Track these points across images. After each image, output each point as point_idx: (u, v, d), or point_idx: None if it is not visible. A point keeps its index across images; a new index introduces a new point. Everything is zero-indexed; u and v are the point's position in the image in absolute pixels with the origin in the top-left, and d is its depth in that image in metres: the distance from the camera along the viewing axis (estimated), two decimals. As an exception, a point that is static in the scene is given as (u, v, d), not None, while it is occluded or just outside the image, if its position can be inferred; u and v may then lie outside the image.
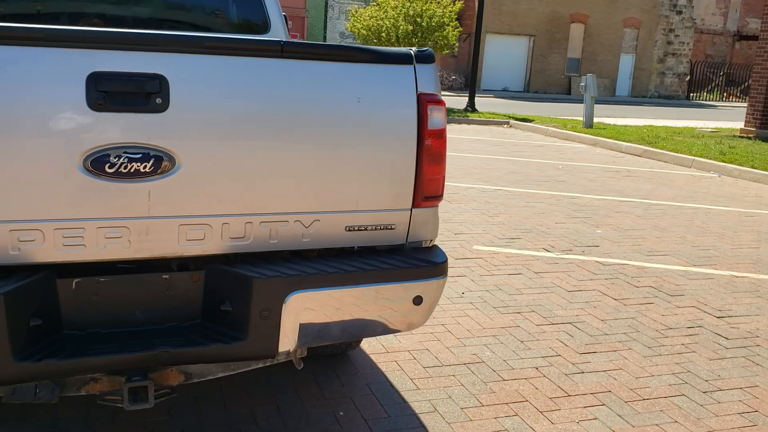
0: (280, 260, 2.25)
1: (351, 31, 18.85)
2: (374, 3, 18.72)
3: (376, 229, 2.36)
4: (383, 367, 3.47)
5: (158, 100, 2.02)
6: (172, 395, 2.19)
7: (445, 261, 2.42)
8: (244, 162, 2.13)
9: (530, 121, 16.48)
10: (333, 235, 2.31)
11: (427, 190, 2.40)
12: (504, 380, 3.41)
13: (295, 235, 2.26)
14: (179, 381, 2.21)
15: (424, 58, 2.35)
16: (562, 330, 4.07)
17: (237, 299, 2.15)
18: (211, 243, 2.18)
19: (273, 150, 2.16)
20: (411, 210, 2.39)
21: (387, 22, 17.55)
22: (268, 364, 2.35)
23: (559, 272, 5.16)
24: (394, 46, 17.15)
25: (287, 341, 2.20)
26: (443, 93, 28.44)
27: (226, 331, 2.16)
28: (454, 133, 14.44)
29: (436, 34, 17.70)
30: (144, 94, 2.01)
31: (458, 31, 18.48)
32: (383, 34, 17.67)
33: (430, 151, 2.36)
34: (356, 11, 18.68)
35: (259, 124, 2.14)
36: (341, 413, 3.03)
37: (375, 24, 17.78)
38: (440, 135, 2.39)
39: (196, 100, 2.07)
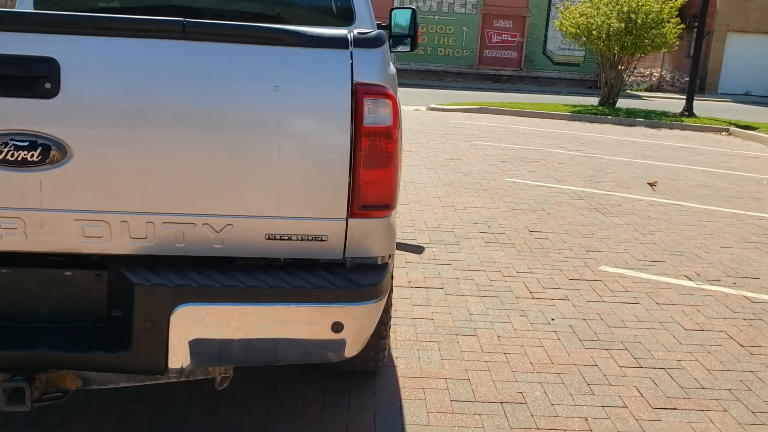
0: (189, 267, 2.02)
1: (559, 29, 17.95)
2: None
3: (303, 239, 2.04)
4: (405, 394, 3.10)
5: (47, 85, 1.88)
6: (62, 399, 2.05)
7: (377, 284, 2.03)
8: (142, 155, 1.94)
9: (754, 128, 14.54)
10: (251, 244, 2.03)
11: (365, 198, 2.03)
12: (537, 429, 2.88)
13: (205, 241, 2.02)
14: (77, 386, 2.07)
15: (366, 41, 1.98)
16: (648, 376, 3.38)
17: (125, 306, 1.96)
18: (112, 242, 2.01)
19: (175, 142, 1.94)
20: (346, 220, 2.04)
21: (598, 20, 16.44)
22: (182, 379, 2.13)
23: (688, 305, 4.35)
24: (605, 44, 16.07)
25: (177, 358, 1.97)
26: (673, 96, 26.13)
27: (116, 339, 1.98)
28: (658, 139, 13.16)
29: (653, 31, 16.24)
30: (32, 78, 1.88)
31: (680, 29, 16.81)
32: (594, 31, 16.59)
33: (368, 151, 2.00)
34: (566, 8, 17.73)
35: (161, 113, 1.93)
36: (326, 440, 2.73)
37: (585, 21, 16.74)
38: (385, 133, 2.01)
39: (89, 86, 1.91)
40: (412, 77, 29.27)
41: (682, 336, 3.88)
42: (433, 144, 10.86)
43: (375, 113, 1.99)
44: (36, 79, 1.88)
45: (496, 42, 29.93)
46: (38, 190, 1.94)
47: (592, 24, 16.55)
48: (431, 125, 13.49)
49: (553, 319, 4.04)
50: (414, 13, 5.65)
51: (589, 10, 16.94)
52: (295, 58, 1.96)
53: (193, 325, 1.95)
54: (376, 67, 2.00)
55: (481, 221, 6.18)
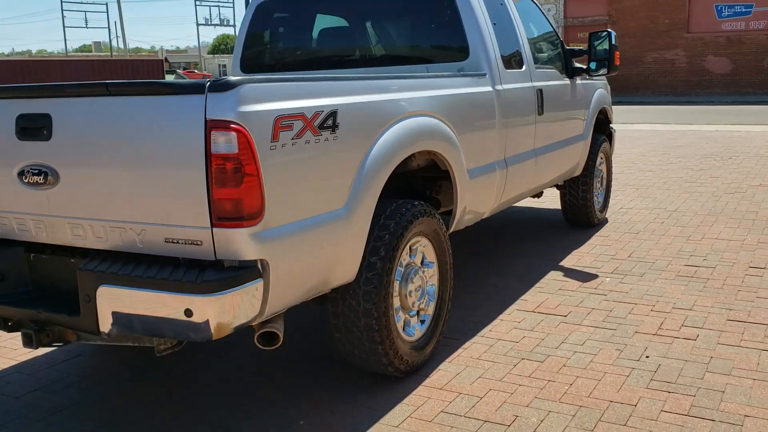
0: (123, 260, 2.76)
1: None
2: None
3: (186, 243, 2.63)
4: (408, 400, 3.34)
5: (45, 132, 2.82)
6: (64, 345, 2.97)
7: (213, 281, 2.49)
8: (93, 179, 2.75)
9: None
10: (158, 245, 2.69)
11: (220, 211, 2.53)
12: (489, 449, 2.90)
13: (133, 241, 2.74)
14: (74, 339, 2.96)
15: (218, 87, 2.50)
16: (686, 426, 3.02)
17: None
18: (87, 240, 2.86)
19: (109, 172, 2.71)
20: (211, 229, 2.57)
21: None
22: (119, 342, 2.81)
23: None
24: None
25: (105, 324, 2.71)
26: None
27: (76, 307, 2.80)
28: None
29: None
30: (36, 128, 2.84)
31: None
32: None
33: (218, 174, 2.51)
34: None
35: (99, 152, 2.72)
36: None
37: None
38: (233, 159, 2.50)
39: (69, 133, 2.79)
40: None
41: (791, 393, 3.26)
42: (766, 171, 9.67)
43: (222, 143, 2.49)
44: (39, 128, 2.83)
45: None
46: (47, 201, 2.89)
47: None
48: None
49: (647, 357, 3.73)
50: (610, 35, 5.58)
51: None
52: (173, 103, 2.57)
53: (110, 300, 2.67)
54: (227, 106, 2.49)
55: (701, 254, 5.62)
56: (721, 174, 9.46)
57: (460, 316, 4.40)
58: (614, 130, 7.16)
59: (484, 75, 4.32)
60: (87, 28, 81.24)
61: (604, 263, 5.49)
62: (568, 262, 5.57)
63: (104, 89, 2.70)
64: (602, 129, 6.90)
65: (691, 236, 6.21)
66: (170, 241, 2.67)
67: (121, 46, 59.55)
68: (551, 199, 7.61)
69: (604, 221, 6.89)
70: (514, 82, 4.65)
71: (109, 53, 70.87)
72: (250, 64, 5.25)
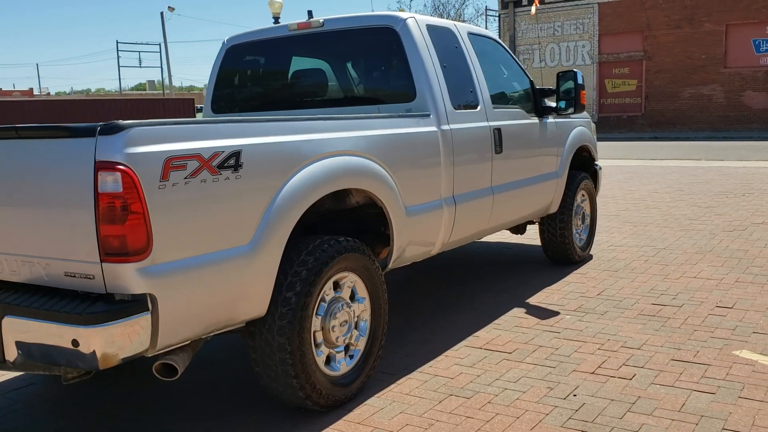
0: (33, 292, 2.92)
1: None
2: None
3: (81, 277, 2.78)
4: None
5: None
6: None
7: (103, 312, 2.62)
8: (8, 216, 2.93)
9: None
10: (60, 278, 2.85)
11: (107, 247, 2.68)
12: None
13: (40, 274, 2.91)
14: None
15: (107, 130, 2.67)
16: (580, 464, 3.02)
17: (-11, 315, 2.95)
18: (3, 273, 3.04)
19: (17, 209, 2.89)
20: (101, 263, 2.71)
21: None
22: (24, 371, 2.95)
23: (781, 406, 3.49)
24: None
25: (10, 353, 2.86)
26: None
27: (-11, 336, 2.97)
28: None
29: None
30: None
31: None
32: None
33: (104, 211, 2.66)
34: None
35: (12, 190, 2.90)
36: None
37: None
38: (119, 197, 2.64)
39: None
40: None
41: (705, 435, 3.22)
42: None
43: (109, 182, 2.64)
44: None
45: None
46: (-29, 237, 3.08)
47: None
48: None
49: (575, 396, 3.72)
50: (575, 75, 5.65)
51: None
52: (69, 145, 2.74)
53: (12, 330, 2.83)
54: (114, 148, 2.64)
55: (673, 293, 5.56)
56: (727, 211, 9.30)
57: (405, 351, 4.45)
58: (599, 168, 7.15)
59: (428, 115, 4.42)
60: (141, 67, 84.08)
61: (570, 300, 5.47)
62: (535, 299, 5.57)
63: (14, 132, 2.89)
64: (586, 167, 6.91)
65: (670, 274, 6.14)
66: (69, 275, 2.82)
67: (173, 84, 61.54)
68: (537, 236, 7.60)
69: (588, 258, 6.86)
70: (465, 122, 4.73)
71: (161, 91, 73.36)
72: (220, 105, 5.46)
